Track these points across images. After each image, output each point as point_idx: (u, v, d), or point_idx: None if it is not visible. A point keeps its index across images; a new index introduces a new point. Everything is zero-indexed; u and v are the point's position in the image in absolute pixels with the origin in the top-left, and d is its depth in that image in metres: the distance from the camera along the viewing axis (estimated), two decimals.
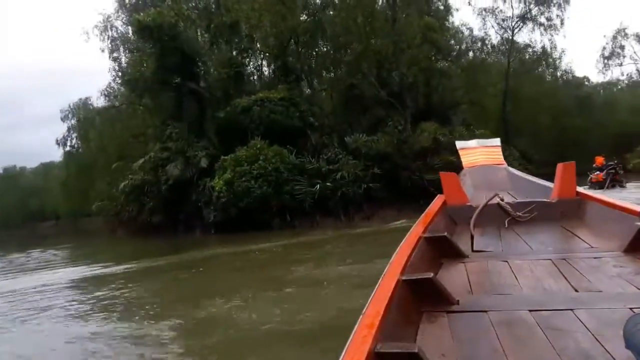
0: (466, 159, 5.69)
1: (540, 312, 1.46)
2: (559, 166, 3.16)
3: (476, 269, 2.05)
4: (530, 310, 1.47)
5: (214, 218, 17.71)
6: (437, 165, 17.73)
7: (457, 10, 42.02)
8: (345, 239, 13.86)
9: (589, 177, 19.51)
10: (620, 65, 47.49)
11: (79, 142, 34.44)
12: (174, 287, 9.52)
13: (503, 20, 33.65)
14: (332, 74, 27.23)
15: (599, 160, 20.59)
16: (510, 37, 33.44)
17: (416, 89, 23.15)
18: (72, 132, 34.45)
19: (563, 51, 36.32)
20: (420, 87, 24.13)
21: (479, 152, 5.85)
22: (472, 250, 2.33)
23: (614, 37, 38.53)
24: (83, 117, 33.79)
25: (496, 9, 33.79)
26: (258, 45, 26.36)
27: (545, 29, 32.22)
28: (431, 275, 1.59)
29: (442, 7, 30.42)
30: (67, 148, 34.91)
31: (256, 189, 16.78)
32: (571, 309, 1.47)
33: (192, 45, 21.76)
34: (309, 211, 16.83)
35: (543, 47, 34.28)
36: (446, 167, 18.15)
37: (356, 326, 1.18)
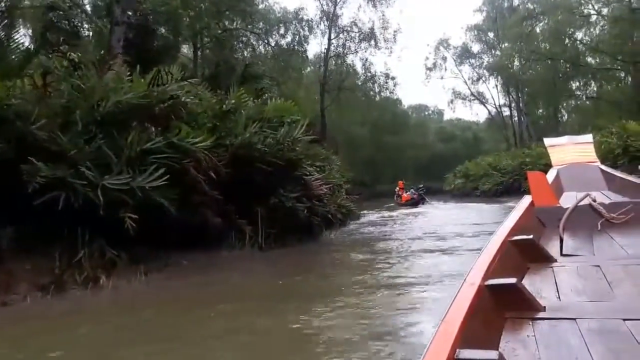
0: (555, 157, 5.37)
1: (637, 321, 1.28)
2: None
3: (565, 274, 1.85)
4: (624, 319, 1.29)
5: None
6: (158, 155, 6.53)
7: None
8: None
9: (396, 197, 23.25)
10: (442, 78, 45.55)
11: None
12: None
13: None
14: None
15: (401, 184, 24.39)
16: (332, 10, 25.50)
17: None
18: None
19: (398, 30, 28.94)
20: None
21: (569, 149, 5.52)
22: (561, 255, 2.13)
23: (437, 48, 35.25)
24: None
25: None
26: None
27: (374, 4, 25.20)
28: (515, 280, 1.44)
29: None
30: None
31: None
32: None
33: None
34: None
35: (372, 27, 26.76)
36: (179, 157, 7.45)
37: (435, 332, 1.11)
